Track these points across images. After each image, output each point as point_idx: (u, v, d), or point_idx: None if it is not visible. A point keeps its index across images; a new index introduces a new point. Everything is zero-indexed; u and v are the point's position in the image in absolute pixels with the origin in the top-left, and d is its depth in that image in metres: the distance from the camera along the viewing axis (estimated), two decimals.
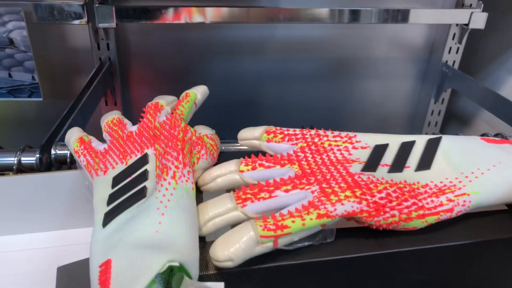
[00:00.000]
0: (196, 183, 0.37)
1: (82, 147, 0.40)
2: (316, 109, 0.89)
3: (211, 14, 0.67)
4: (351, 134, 0.40)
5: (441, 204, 0.33)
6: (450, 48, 0.80)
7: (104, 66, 0.75)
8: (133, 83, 0.83)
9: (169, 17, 0.67)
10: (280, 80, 0.85)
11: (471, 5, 0.75)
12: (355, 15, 0.70)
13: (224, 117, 0.88)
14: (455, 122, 0.92)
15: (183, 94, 0.45)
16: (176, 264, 0.26)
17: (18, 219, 0.44)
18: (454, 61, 0.81)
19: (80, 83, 0.81)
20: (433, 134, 0.90)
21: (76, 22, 0.66)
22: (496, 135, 0.51)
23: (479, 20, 0.71)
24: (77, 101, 0.61)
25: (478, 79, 0.82)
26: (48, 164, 0.46)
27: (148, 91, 0.85)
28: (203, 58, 0.82)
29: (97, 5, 0.65)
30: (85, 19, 0.67)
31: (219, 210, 0.32)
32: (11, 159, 0.45)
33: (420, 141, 0.39)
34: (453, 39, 0.79)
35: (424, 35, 0.83)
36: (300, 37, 0.81)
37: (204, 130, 0.43)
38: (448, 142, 0.38)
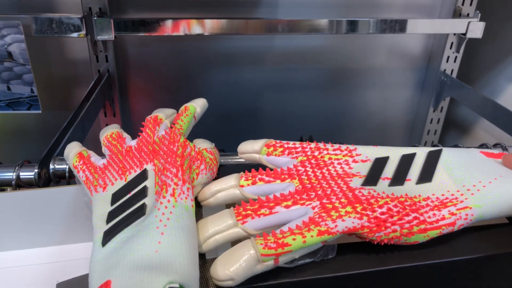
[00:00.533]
0: (196, 198, 0.37)
1: (81, 162, 0.40)
2: (315, 118, 0.89)
3: (210, 26, 0.67)
4: (351, 147, 0.39)
5: (443, 218, 0.33)
6: (448, 57, 0.80)
7: (103, 78, 0.75)
8: (132, 94, 0.83)
9: (168, 29, 0.67)
10: (279, 90, 0.85)
11: (468, 14, 0.75)
12: (353, 26, 0.70)
13: (223, 127, 0.88)
14: (454, 130, 0.92)
15: (182, 107, 0.45)
16: (176, 285, 0.26)
17: (17, 234, 0.44)
18: (452, 70, 0.81)
19: (79, 95, 0.81)
20: (432, 142, 0.91)
21: (75, 34, 0.66)
22: (495, 145, 0.51)
23: (476, 29, 0.72)
24: (76, 114, 0.61)
25: (476, 87, 0.82)
26: (47, 179, 0.46)
27: (147, 102, 0.85)
28: (202, 69, 0.82)
29: (95, 17, 0.65)
30: (83, 32, 0.67)
31: (219, 226, 0.32)
32: (10, 174, 0.45)
33: (421, 153, 0.38)
34: (451, 48, 0.79)
35: (422, 44, 0.83)
36: (299, 47, 0.81)
37: (203, 144, 0.42)
38: (448, 155, 0.38)
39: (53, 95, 0.80)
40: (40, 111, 0.69)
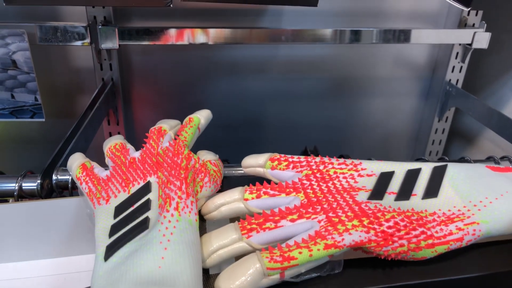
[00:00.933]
0: (199, 212, 0.37)
1: (84, 173, 0.40)
2: (319, 127, 0.89)
3: (214, 35, 0.67)
4: (356, 161, 0.39)
5: (451, 233, 0.33)
6: (454, 67, 0.79)
7: (106, 86, 0.75)
8: (135, 102, 0.83)
9: (172, 38, 0.67)
10: (283, 99, 0.85)
11: (473, 24, 0.75)
12: (356, 36, 0.70)
13: (227, 136, 0.88)
14: (459, 140, 0.91)
15: (187, 119, 0.44)
16: None
17: (18, 246, 0.43)
18: (457, 80, 0.81)
19: (82, 103, 0.81)
20: (437, 152, 0.90)
21: (79, 43, 0.66)
22: (502, 158, 0.51)
23: (482, 40, 0.71)
24: (79, 123, 0.61)
25: (481, 98, 0.82)
26: (50, 190, 0.46)
27: (151, 111, 0.85)
28: (205, 77, 0.82)
29: (100, 26, 0.65)
30: (88, 40, 0.67)
31: (223, 241, 0.31)
32: (12, 185, 0.44)
33: (426, 168, 0.38)
34: (456, 58, 0.79)
35: (427, 53, 0.83)
36: (303, 56, 0.81)
37: (207, 156, 0.42)
38: (454, 170, 0.38)
39: (56, 103, 0.80)
40: (43, 119, 0.69)
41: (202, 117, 0.45)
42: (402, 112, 0.90)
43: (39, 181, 0.45)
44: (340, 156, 0.56)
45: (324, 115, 0.87)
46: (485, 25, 0.72)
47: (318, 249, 0.29)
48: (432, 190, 0.36)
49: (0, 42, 0.66)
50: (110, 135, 0.82)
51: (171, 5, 0.42)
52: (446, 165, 0.38)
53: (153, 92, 0.82)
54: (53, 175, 0.46)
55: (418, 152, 0.93)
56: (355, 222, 0.32)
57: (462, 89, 0.78)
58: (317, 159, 0.39)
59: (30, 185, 0.45)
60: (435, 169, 0.38)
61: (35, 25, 0.64)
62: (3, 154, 0.85)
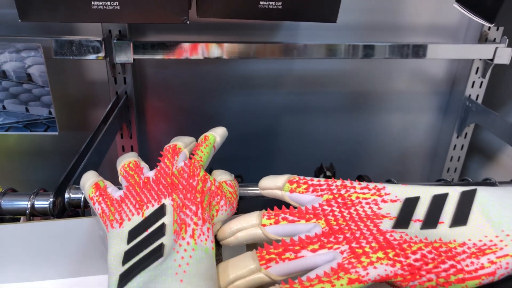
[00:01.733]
0: (215, 236, 0.35)
1: (97, 193, 0.39)
2: (334, 143, 0.87)
3: (228, 49, 0.66)
4: (379, 185, 0.37)
5: (482, 267, 0.31)
6: (474, 82, 0.77)
7: (120, 100, 0.74)
8: (149, 116, 0.83)
9: (186, 52, 0.66)
10: (298, 114, 0.84)
11: (494, 39, 0.73)
12: (371, 51, 0.68)
13: (241, 150, 0.86)
14: (479, 157, 0.89)
15: (202, 137, 0.43)
16: None
17: (29, 266, 0.43)
18: (477, 95, 0.79)
19: (96, 116, 0.80)
20: (456, 169, 0.88)
21: (94, 57, 0.66)
22: None
23: (504, 55, 0.69)
24: (93, 138, 0.60)
25: (502, 114, 0.79)
26: (62, 208, 0.45)
27: (164, 124, 0.84)
28: (220, 91, 0.81)
29: (115, 40, 0.65)
30: (102, 54, 0.66)
31: (241, 271, 0.30)
32: (25, 203, 0.44)
33: (454, 193, 0.36)
34: (476, 73, 0.77)
35: (445, 68, 0.81)
36: (318, 70, 0.80)
37: (223, 176, 0.41)
38: (484, 195, 0.35)
39: (70, 116, 0.80)
40: (57, 133, 0.68)
41: (217, 135, 0.43)
42: (420, 128, 0.88)
43: (51, 199, 0.44)
44: (360, 177, 0.54)
45: (340, 130, 0.86)
46: (507, 40, 0.70)
47: (342, 284, 0.28)
48: (461, 218, 0.34)
49: (16, 56, 0.66)
50: (123, 149, 0.82)
51: (188, 22, 0.41)
52: (475, 190, 0.36)
53: (167, 106, 0.82)
54: (66, 193, 0.45)
55: (436, 168, 0.91)
56: (380, 254, 0.30)
57: (483, 106, 0.76)
58: (338, 182, 0.37)
59: (42, 203, 0.44)
60: (463, 194, 0.36)
61: (51, 39, 0.63)
62: (16, 166, 0.85)
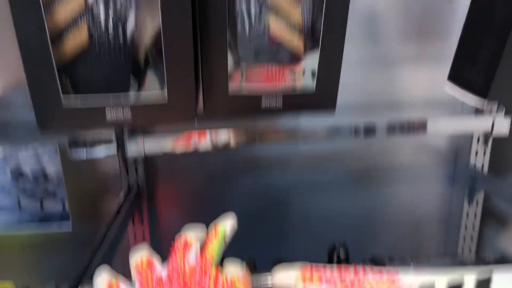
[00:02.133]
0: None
1: None
2: (344, 219, 0.87)
3: (236, 137, 0.69)
4: (393, 273, 0.37)
5: None
6: (477, 152, 0.79)
7: (132, 191, 0.76)
8: (160, 202, 0.84)
9: (195, 143, 0.69)
10: (305, 192, 0.85)
11: (491, 110, 0.75)
12: (371, 130, 0.70)
13: (251, 232, 0.86)
14: (494, 223, 0.87)
15: (212, 229, 0.44)
16: None
17: None
18: (482, 164, 0.79)
19: (107, 206, 0.82)
20: (472, 237, 0.86)
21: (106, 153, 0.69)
22: None
23: (502, 126, 0.70)
24: (106, 231, 0.61)
25: (510, 178, 0.79)
26: None
27: (175, 209, 0.85)
28: (228, 175, 0.83)
29: (127, 135, 0.68)
30: (114, 149, 0.69)
31: None
32: None
33: (468, 281, 0.36)
34: (478, 142, 0.78)
35: (447, 139, 0.83)
36: (323, 148, 0.82)
37: (234, 270, 0.41)
38: (501, 283, 0.35)
39: (83, 208, 0.81)
40: (70, 230, 0.69)
41: (227, 227, 0.45)
42: (429, 198, 0.88)
43: None
44: (373, 260, 0.54)
45: (349, 206, 0.86)
46: (504, 109, 0.72)
47: None
48: None
49: (33, 155, 0.69)
50: (135, 236, 0.82)
51: (196, 124, 0.44)
52: (489, 278, 0.35)
53: (177, 192, 0.83)
54: None
55: (452, 237, 0.89)
56: None
57: (488, 175, 0.77)
58: (351, 272, 0.37)
59: None
60: (479, 284, 0.35)
61: (66, 139, 0.66)
62: (29, 260, 0.85)
